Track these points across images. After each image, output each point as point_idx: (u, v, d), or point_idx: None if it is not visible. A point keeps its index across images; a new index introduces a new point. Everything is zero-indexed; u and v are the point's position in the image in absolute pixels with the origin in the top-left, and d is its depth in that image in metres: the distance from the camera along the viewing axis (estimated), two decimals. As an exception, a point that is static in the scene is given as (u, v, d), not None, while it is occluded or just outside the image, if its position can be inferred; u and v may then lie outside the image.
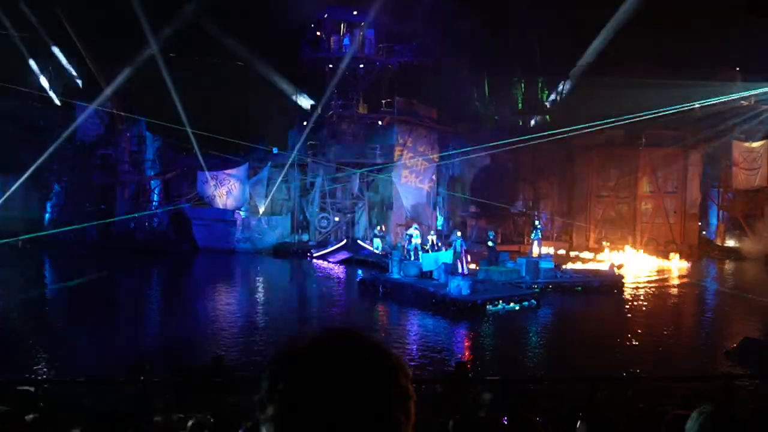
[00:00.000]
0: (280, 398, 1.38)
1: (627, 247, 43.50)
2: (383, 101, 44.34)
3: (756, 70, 42.16)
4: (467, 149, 42.66)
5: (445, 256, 28.32)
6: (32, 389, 9.72)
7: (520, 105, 49.74)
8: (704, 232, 47.47)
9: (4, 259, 34.34)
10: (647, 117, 39.29)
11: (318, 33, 43.65)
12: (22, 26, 38.98)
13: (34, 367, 16.44)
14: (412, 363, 17.61)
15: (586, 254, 42.21)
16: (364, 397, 1.37)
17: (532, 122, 49.04)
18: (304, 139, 44.83)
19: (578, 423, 4.23)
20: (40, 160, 39.00)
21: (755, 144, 44.57)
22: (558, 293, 28.61)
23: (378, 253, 38.55)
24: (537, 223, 36.11)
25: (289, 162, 44.12)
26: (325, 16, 43.33)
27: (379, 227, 41.47)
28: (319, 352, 1.41)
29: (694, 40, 40.19)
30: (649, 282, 34.24)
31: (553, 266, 30.71)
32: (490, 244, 32.90)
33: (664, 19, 42.12)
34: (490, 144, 38.69)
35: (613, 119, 37.05)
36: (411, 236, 31.10)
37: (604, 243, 44.82)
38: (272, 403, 1.39)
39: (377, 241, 39.98)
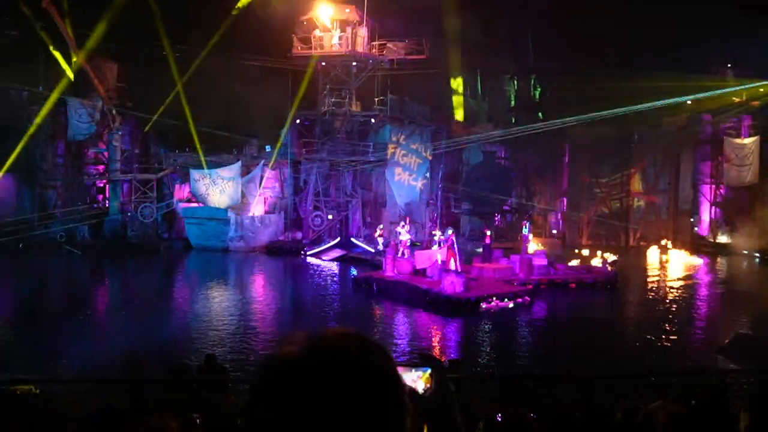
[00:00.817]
0: (270, 409, 1.30)
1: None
2: (376, 99, 44.29)
3: (747, 66, 42.37)
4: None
5: (439, 253, 28.34)
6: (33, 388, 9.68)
7: (512, 102, 49.81)
8: (696, 228, 47.66)
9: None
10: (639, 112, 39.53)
11: (310, 30, 43.53)
12: (13, 22, 38.78)
13: (27, 366, 16.37)
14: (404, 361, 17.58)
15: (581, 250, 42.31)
16: (363, 412, 1.29)
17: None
18: (297, 137, 44.81)
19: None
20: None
21: (747, 140, 44.74)
22: (551, 290, 28.64)
23: (372, 251, 38.50)
24: (528, 220, 36.21)
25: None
26: (318, 13, 43.22)
27: (380, 227, 40.92)
28: (314, 358, 1.33)
29: (686, 35, 40.33)
30: (641, 278, 34.36)
31: (546, 263, 30.72)
32: (486, 240, 32.90)
33: (656, 15, 42.23)
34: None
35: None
36: (399, 232, 31.24)
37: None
38: (261, 414, 1.32)
39: (380, 241, 39.37)
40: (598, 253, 34.87)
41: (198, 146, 42.61)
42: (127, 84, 45.17)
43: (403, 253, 30.36)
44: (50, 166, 45.06)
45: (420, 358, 2.25)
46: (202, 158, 43.46)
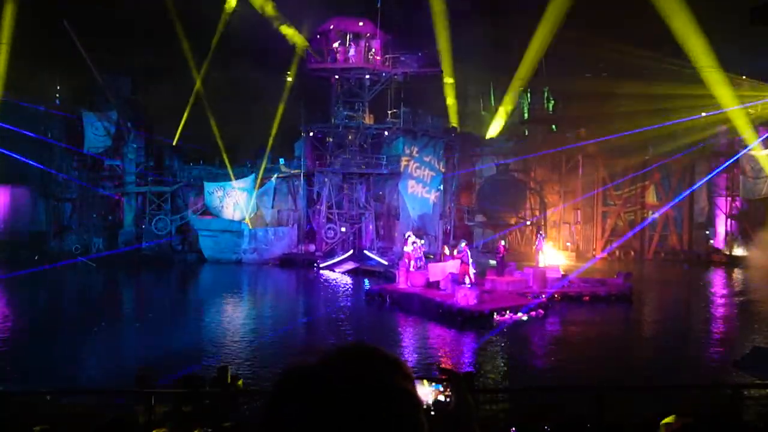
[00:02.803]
0: (285, 424, 1.29)
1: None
2: (389, 111, 44.40)
3: (763, 78, 42.11)
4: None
5: (452, 266, 28.26)
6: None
7: (526, 114, 49.74)
8: (711, 241, 47.26)
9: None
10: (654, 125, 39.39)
11: (324, 44, 43.78)
12: (30, 37, 39.20)
13: (41, 376, 16.45)
14: (416, 374, 17.54)
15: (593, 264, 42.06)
16: (377, 430, 1.28)
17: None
18: (311, 149, 44.98)
19: None
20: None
21: (762, 152, 44.36)
22: (565, 302, 28.48)
23: (385, 263, 38.49)
24: (541, 232, 36.06)
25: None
26: (331, 27, 43.49)
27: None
28: (331, 374, 1.31)
29: (699, 47, 40.11)
30: (656, 291, 34.11)
31: (560, 275, 30.59)
32: (499, 253, 32.76)
33: (671, 25, 42.07)
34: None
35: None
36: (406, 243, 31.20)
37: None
38: (275, 428, 1.31)
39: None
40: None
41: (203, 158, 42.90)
42: (142, 97, 45.54)
43: (419, 266, 30.24)
44: (66, 178, 45.42)
45: (439, 372, 2.24)
46: (207, 170, 43.63)
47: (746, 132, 42.18)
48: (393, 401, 1.32)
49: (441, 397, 2.10)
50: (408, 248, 30.77)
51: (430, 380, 2.22)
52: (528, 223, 46.43)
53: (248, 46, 41.15)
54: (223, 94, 41.60)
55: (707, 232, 47.36)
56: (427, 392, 2.19)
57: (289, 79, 43.40)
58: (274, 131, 42.74)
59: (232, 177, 43.82)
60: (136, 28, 40.11)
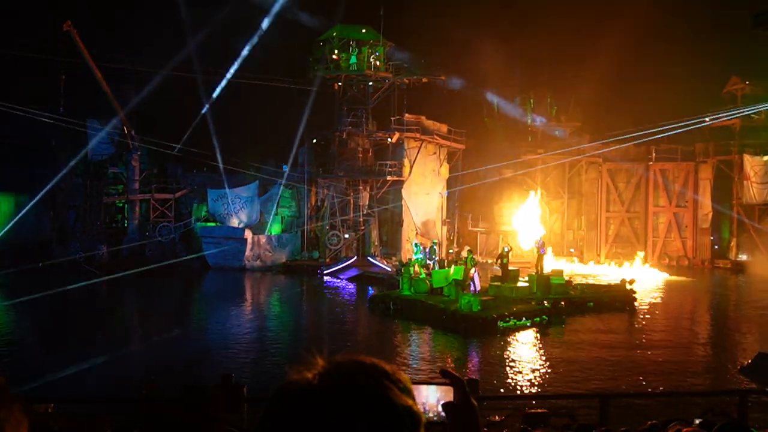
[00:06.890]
0: None
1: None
2: (392, 118, 44.45)
3: (765, 83, 42.10)
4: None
5: (456, 272, 28.17)
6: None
7: (529, 120, 49.79)
8: (716, 247, 47.14)
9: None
10: (658, 130, 39.39)
11: (327, 51, 43.86)
12: (34, 46, 39.35)
13: (45, 385, 16.45)
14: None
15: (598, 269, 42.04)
16: None
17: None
18: (314, 156, 45.02)
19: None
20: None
21: (766, 158, 44.28)
22: (569, 309, 28.36)
23: (388, 270, 38.43)
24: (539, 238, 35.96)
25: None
26: (334, 34, 43.59)
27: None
28: (328, 391, 1.26)
29: (703, 53, 40.20)
30: (660, 297, 34.02)
31: (564, 282, 30.44)
32: (504, 260, 32.62)
33: (675, 32, 42.19)
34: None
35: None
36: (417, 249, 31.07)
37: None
38: None
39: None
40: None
41: (209, 165, 42.71)
42: (147, 105, 45.62)
43: (428, 269, 30.11)
44: (69, 186, 45.46)
45: (442, 375, 2.23)
46: (211, 177, 43.58)
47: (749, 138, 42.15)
48: (391, 418, 1.27)
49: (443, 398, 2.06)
50: (414, 254, 30.72)
51: (437, 383, 2.20)
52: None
53: (252, 54, 41.25)
54: (227, 101, 41.68)
55: (711, 238, 47.23)
56: (429, 396, 2.16)
57: (293, 86, 43.51)
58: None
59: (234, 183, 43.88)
60: (142, 35, 40.27)
